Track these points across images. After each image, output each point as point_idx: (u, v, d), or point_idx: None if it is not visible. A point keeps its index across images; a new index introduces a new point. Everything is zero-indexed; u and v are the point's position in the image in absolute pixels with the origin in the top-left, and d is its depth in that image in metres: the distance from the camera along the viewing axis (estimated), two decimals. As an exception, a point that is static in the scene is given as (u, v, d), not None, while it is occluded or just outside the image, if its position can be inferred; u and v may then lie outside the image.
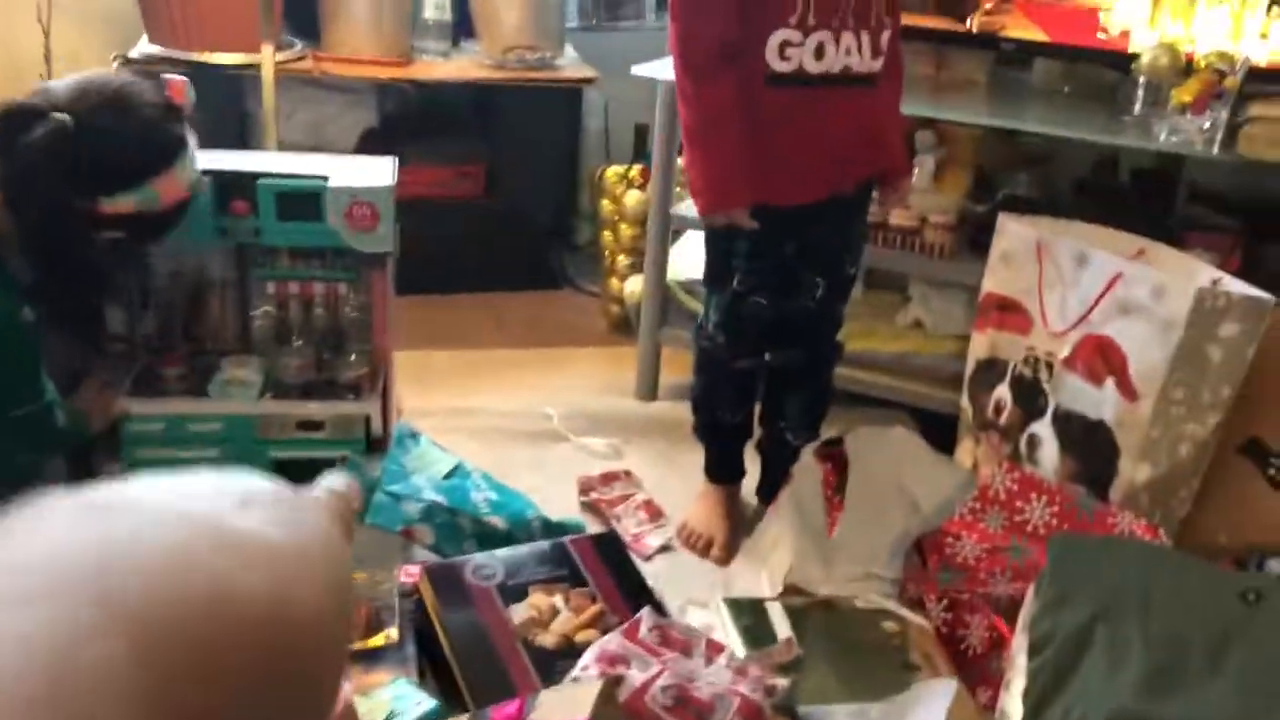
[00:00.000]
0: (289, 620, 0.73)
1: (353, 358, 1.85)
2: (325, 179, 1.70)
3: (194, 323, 1.87)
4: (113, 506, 0.74)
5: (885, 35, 1.62)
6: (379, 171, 1.76)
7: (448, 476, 1.77)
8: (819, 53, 1.57)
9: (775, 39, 1.56)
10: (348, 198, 1.69)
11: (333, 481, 1.17)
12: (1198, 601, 1.33)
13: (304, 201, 1.71)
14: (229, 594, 0.70)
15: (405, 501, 1.68)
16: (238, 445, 1.79)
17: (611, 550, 1.68)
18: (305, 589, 0.75)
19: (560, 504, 1.99)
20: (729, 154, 1.60)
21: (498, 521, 1.71)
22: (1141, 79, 1.95)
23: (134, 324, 1.85)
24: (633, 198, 2.67)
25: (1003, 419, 1.93)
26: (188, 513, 0.75)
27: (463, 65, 2.78)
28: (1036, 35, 2.10)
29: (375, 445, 1.84)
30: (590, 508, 2.00)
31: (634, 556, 1.84)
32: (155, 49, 2.58)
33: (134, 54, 2.60)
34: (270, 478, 0.94)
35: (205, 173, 1.70)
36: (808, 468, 1.84)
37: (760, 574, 1.81)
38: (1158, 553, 1.51)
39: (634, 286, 2.57)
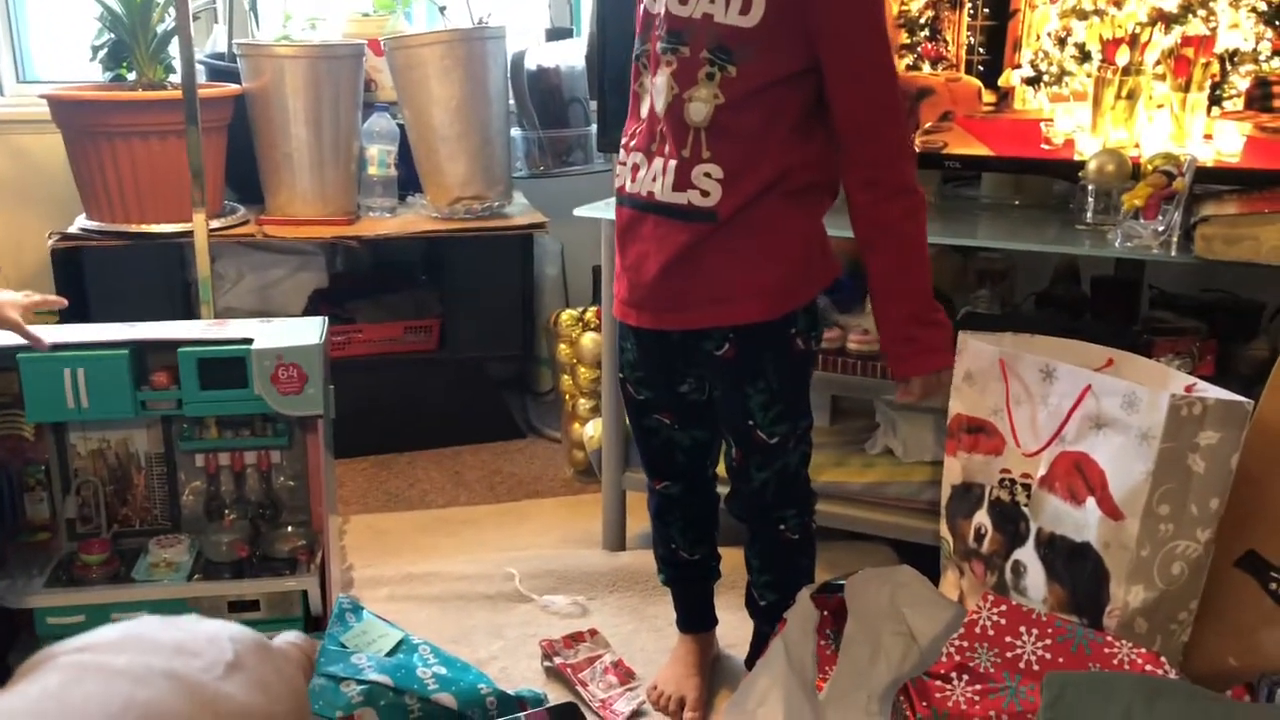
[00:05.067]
0: None
1: (288, 529, 1.75)
2: (249, 342, 1.63)
3: (119, 502, 1.76)
4: (108, 668, 0.73)
5: (701, 170, 1.45)
6: (306, 331, 1.68)
7: (392, 652, 1.64)
8: (633, 173, 1.54)
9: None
10: (272, 360, 1.61)
11: (293, 635, 1.18)
12: (1210, 742, 1.21)
13: (227, 368, 1.63)
14: None
15: (345, 684, 1.54)
16: (166, 633, 1.67)
17: (572, 723, 1.55)
18: None
19: (522, 671, 1.86)
20: None
21: (447, 699, 1.57)
22: (1090, 187, 1.91)
23: (55, 508, 1.74)
24: (588, 339, 2.61)
25: (984, 547, 1.82)
26: (176, 674, 0.75)
27: (410, 220, 2.74)
28: (980, 150, 2.07)
29: (315, 622, 1.71)
30: (554, 673, 1.86)
31: (602, 725, 1.71)
32: (93, 224, 2.54)
33: (72, 229, 2.55)
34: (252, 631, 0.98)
35: (124, 345, 1.63)
36: (802, 613, 1.71)
37: (745, 735, 1.67)
38: (1161, 686, 1.39)
39: (595, 430, 2.48)
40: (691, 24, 1.44)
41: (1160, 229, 1.78)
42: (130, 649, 0.86)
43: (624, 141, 1.57)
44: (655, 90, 1.49)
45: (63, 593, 1.65)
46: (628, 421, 1.78)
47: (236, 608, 1.68)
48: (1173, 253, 1.78)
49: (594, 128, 2.77)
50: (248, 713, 0.84)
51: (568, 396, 2.70)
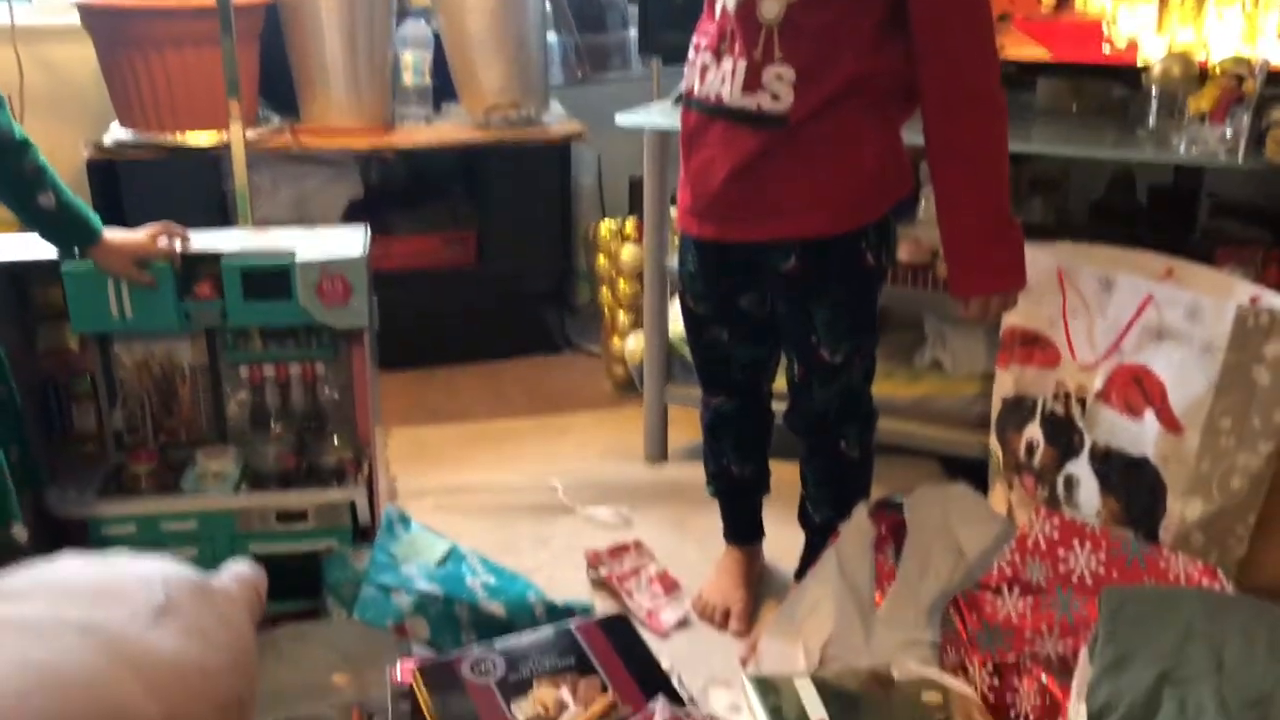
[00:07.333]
0: None
1: (335, 441, 1.74)
2: (292, 254, 1.60)
3: (165, 414, 1.76)
4: (8, 622, 0.68)
5: (772, 72, 1.38)
6: (350, 242, 1.66)
7: (441, 562, 1.65)
8: (701, 75, 1.46)
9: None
10: (317, 272, 1.59)
11: (240, 569, 1.17)
12: (1278, 655, 1.19)
13: (271, 279, 1.60)
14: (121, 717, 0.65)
15: (396, 593, 1.55)
16: (216, 542, 1.67)
17: (622, 633, 1.54)
18: (202, 707, 0.70)
19: (567, 582, 1.87)
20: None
21: (497, 608, 1.58)
22: (1154, 90, 1.84)
23: (102, 420, 1.74)
24: (628, 252, 2.57)
25: (1036, 460, 1.79)
26: (91, 626, 0.68)
27: (446, 129, 2.69)
28: (1038, 53, 2.00)
29: (363, 533, 1.72)
30: (600, 584, 1.87)
31: (650, 636, 1.71)
32: (127, 134, 2.51)
33: (107, 140, 2.52)
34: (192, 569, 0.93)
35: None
36: (858, 527, 1.69)
37: (795, 644, 1.67)
38: (1222, 601, 1.37)
39: (635, 344, 2.46)
40: None
41: (1228, 134, 1.72)
42: (40, 596, 0.77)
43: (694, 41, 1.50)
44: None
45: (114, 503, 1.65)
46: (685, 334, 1.74)
47: (284, 518, 1.68)
48: (1240, 159, 1.71)
49: (633, 32, 2.70)
50: (176, 664, 0.77)
51: (606, 310, 2.67)
